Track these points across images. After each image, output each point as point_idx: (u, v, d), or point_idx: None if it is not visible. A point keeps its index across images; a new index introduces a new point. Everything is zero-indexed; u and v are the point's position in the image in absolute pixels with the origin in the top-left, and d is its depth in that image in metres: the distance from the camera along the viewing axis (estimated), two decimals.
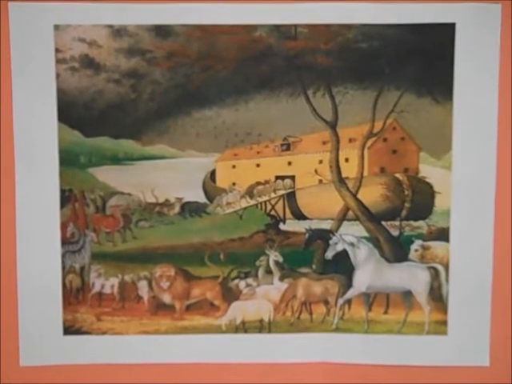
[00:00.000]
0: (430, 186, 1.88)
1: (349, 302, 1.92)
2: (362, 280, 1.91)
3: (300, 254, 1.93)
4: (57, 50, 1.77)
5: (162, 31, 1.77)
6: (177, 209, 1.91)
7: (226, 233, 1.91)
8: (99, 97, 1.81)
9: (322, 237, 1.91)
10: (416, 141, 1.86)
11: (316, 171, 1.91)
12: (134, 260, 1.91)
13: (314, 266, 1.93)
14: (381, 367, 1.90)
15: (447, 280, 1.87)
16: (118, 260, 1.91)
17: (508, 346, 1.89)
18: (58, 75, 1.78)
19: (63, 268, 1.87)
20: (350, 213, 1.90)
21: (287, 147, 1.91)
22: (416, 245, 1.91)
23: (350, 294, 1.92)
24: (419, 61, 1.80)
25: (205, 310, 1.93)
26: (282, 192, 1.96)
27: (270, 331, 1.91)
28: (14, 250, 1.83)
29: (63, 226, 1.86)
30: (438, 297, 1.89)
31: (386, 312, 1.92)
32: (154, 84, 1.81)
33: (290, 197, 1.96)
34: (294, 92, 1.83)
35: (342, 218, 1.91)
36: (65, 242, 1.86)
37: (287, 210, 1.97)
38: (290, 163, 1.93)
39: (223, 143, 1.86)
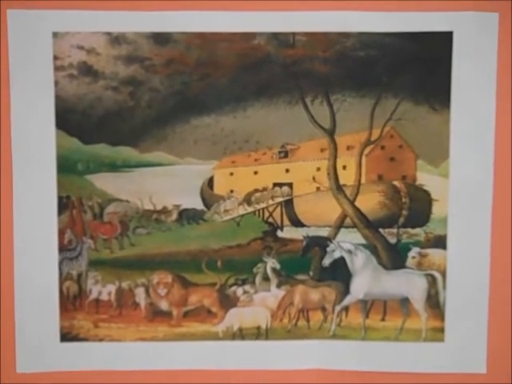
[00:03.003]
0: (428, 194, 1.88)
1: (346, 309, 1.92)
2: (360, 287, 1.91)
3: (297, 261, 1.93)
4: (55, 58, 1.77)
5: (160, 39, 1.77)
6: (174, 216, 1.91)
7: (224, 240, 1.91)
8: (97, 104, 1.81)
9: (320, 244, 1.92)
10: (413, 148, 1.86)
11: (314, 178, 1.91)
12: (132, 267, 1.91)
13: (311, 273, 1.93)
14: (378, 374, 1.90)
15: (444, 287, 1.88)
16: (116, 267, 1.91)
17: (505, 353, 1.89)
18: (56, 82, 1.78)
19: (60, 275, 1.87)
20: (348, 220, 1.91)
21: (285, 154, 1.91)
22: (413, 252, 1.91)
23: (348, 301, 1.92)
24: (417, 69, 1.80)
25: (202, 317, 1.93)
26: (280, 199, 1.96)
27: (267, 338, 1.91)
28: (11, 257, 1.83)
29: (61, 233, 1.86)
30: (435, 304, 1.89)
31: (383, 319, 1.92)
32: (153, 91, 1.81)
33: (288, 204, 1.96)
34: (292, 99, 1.83)
35: (340, 225, 1.91)
36: (62, 248, 1.86)
37: (285, 217, 1.97)
38: (287, 170, 1.93)
39: (221, 150, 1.86)
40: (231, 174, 1.93)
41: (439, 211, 1.87)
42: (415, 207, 1.91)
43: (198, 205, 1.91)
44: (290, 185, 1.94)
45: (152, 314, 1.92)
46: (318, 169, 1.91)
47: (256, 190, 1.93)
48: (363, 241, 1.91)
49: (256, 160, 1.91)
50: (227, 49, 1.78)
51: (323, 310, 1.93)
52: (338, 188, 1.90)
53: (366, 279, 1.91)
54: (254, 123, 1.84)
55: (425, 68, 1.80)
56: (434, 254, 1.90)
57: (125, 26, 1.76)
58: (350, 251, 1.90)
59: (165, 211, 1.90)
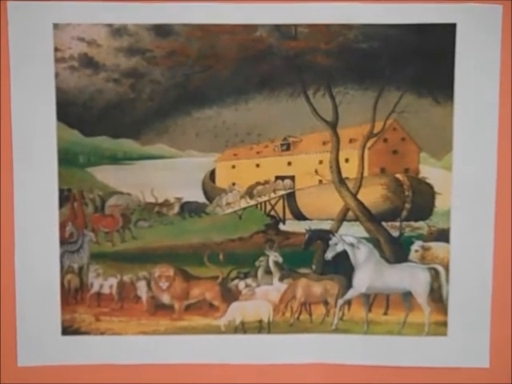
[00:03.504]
0: (431, 187, 1.87)
1: (348, 302, 1.92)
2: (362, 281, 1.91)
3: (300, 255, 1.92)
4: (56, 49, 1.77)
5: (161, 30, 1.77)
6: (176, 209, 1.90)
7: (226, 233, 1.90)
8: (98, 96, 1.81)
9: (322, 237, 1.91)
10: (416, 141, 1.86)
11: (316, 171, 1.91)
12: (133, 260, 1.91)
13: (313, 267, 1.93)
14: (380, 368, 1.89)
15: (447, 281, 1.87)
16: (117, 260, 1.91)
17: (508, 347, 1.88)
18: (57, 74, 1.78)
19: (62, 268, 1.87)
20: (350, 213, 1.90)
21: (287, 147, 1.91)
22: (416, 245, 1.90)
23: (350, 294, 1.91)
24: (420, 61, 1.79)
25: (204, 311, 1.93)
26: (282, 192, 1.95)
27: (269, 332, 1.91)
28: (12, 250, 1.83)
29: (62, 226, 1.85)
30: (438, 298, 1.89)
31: (385, 313, 1.92)
32: (154, 83, 1.81)
33: (290, 197, 1.95)
34: (294, 92, 1.82)
35: (342, 218, 1.91)
36: (63, 241, 1.86)
37: (287, 211, 1.97)
38: (289, 163, 1.93)
39: (223, 143, 1.85)
40: (233, 166, 1.92)
41: (442, 204, 1.86)
42: (418, 200, 1.90)
43: (200, 198, 1.90)
44: (292, 178, 1.93)
45: (154, 307, 1.91)
46: (321, 162, 1.90)
47: (258, 183, 1.93)
48: (366, 234, 1.90)
49: (258, 153, 1.90)
50: (229, 41, 1.77)
51: (325, 303, 1.93)
52: (341, 181, 1.90)
53: (369, 273, 1.90)
54: (255, 116, 1.83)
55: (428, 60, 1.79)
56: (436, 247, 1.89)
57: (126, 17, 1.75)
58: (352, 244, 1.90)
59: (166, 204, 1.90)
